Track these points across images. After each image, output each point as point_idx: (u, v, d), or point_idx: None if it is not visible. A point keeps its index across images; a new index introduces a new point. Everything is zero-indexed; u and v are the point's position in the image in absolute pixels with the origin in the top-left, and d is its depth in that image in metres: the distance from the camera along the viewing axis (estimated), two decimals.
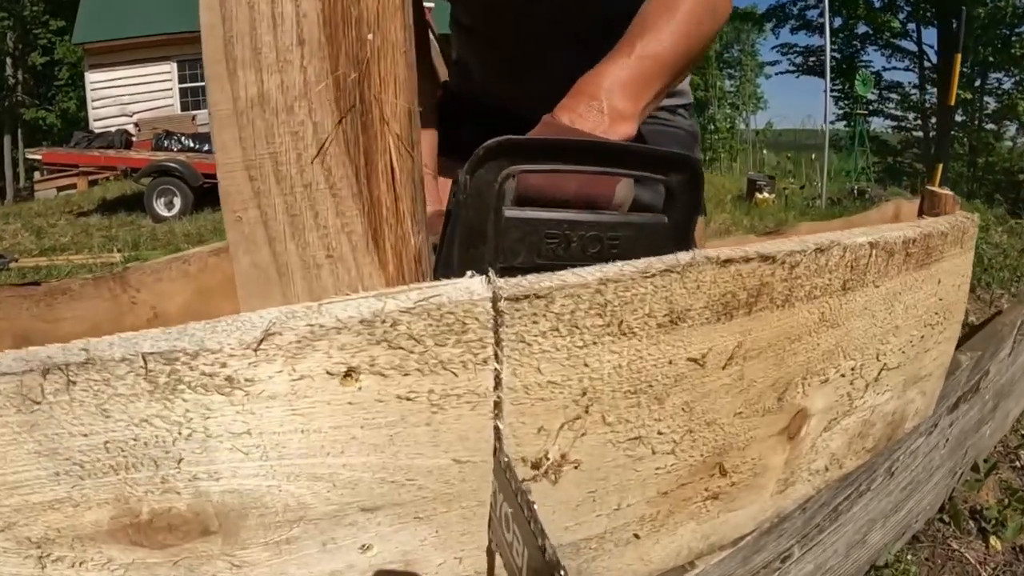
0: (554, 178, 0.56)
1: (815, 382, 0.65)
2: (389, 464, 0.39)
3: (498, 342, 0.39)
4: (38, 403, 0.36)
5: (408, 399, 0.37)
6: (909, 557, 1.43)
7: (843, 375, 0.70)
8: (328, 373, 0.35)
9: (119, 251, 5.36)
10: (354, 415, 0.37)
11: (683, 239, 0.59)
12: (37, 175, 12.50)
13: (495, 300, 0.38)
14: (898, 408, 0.91)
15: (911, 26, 13.84)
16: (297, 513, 0.40)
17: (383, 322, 0.35)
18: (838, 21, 14.27)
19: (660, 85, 0.71)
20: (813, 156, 10.80)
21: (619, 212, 0.60)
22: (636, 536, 0.59)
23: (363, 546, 0.44)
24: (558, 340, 0.41)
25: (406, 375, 0.36)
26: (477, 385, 0.39)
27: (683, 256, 0.48)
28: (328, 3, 0.33)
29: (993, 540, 1.52)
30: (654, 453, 0.52)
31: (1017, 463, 1.90)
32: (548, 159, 0.53)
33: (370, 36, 0.34)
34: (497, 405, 0.40)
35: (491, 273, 0.39)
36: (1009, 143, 13.54)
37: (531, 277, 0.40)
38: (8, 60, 20.32)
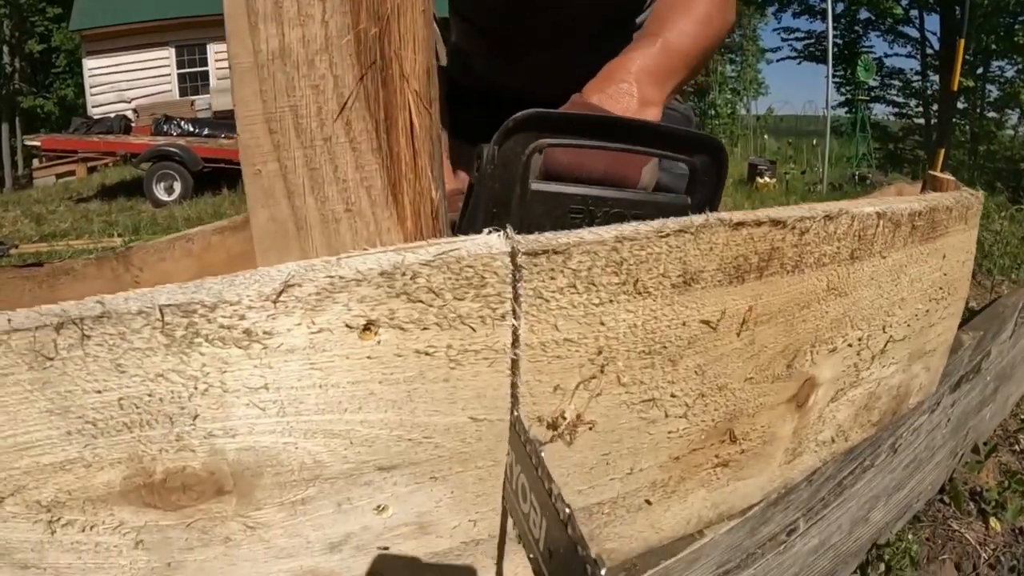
0: (583, 155, 0.56)
1: (823, 351, 0.65)
2: (406, 421, 0.39)
3: (516, 297, 0.39)
4: (51, 359, 0.36)
5: (427, 354, 0.37)
6: (910, 536, 1.44)
7: (850, 345, 0.70)
8: (347, 326, 0.35)
9: (120, 236, 5.36)
10: (373, 370, 0.37)
11: None
12: (36, 162, 12.46)
13: (513, 254, 0.38)
14: (903, 382, 0.91)
15: (914, 12, 13.73)
16: (313, 472, 0.40)
17: (403, 275, 0.35)
18: (840, 6, 14.17)
19: (681, 77, 0.74)
20: (814, 142, 10.77)
21: (646, 192, 0.60)
22: (648, 502, 0.59)
23: (378, 507, 0.44)
24: (575, 297, 0.41)
25: (425, 329, 0.36)
26: (495, 341, 0.39)
27: (697, 218, 0.48)
28: None
29: (993, 521, 1.53)
30: (667, 416, 0.52)
31: (1017, 447, 1.91)
32: (577, 134, 0.53)
33: None
34: (514, 362, 0.40)
35: (509, 228, 0.38)
36: (1011, 131, 13.49)
37: (549, 233, 0.40)
38: (5, 48, 20.18)
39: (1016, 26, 11.96)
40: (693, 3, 0.75)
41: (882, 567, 1.36)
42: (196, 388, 0.36)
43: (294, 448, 0.38)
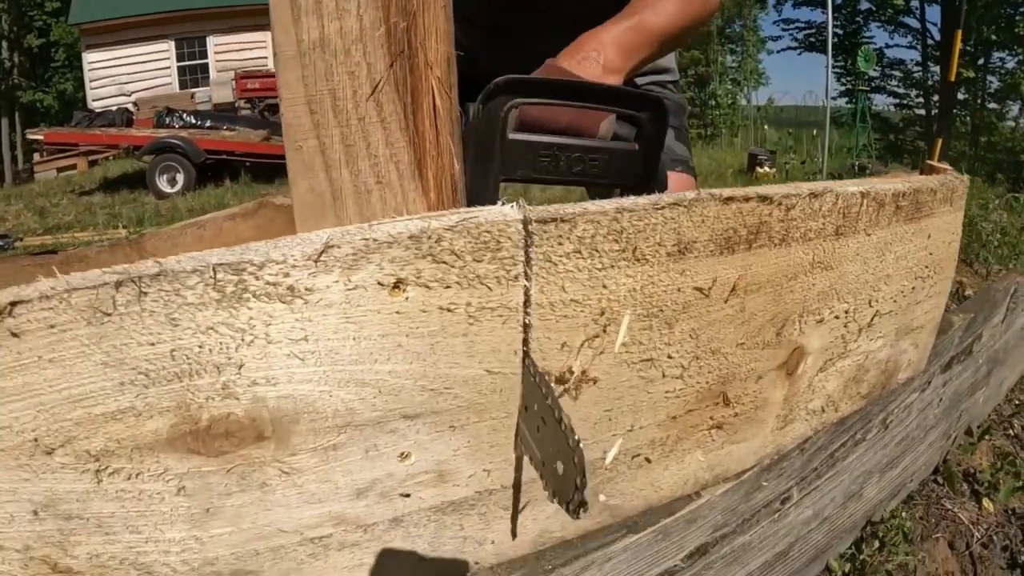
0: (550, 111, 0.66)
1: (811, 321, 0.70)
2: (429, 372, 0.44)
3: (528, 260, 0.43)
4: (108, 315, 0.40)
5: (448, 310, 0.42)
6: (904, 514, 1.48)
7: (837, 317, 0.74)
8: (379, 284, 0.39)
9: (124, 227, 5.40)
10: (400, 324, 0.41)
11: (650, 164, 0.67)
12: (37, 156, 12.49)
13: (526, 222, 0.42)
14: (891, 356, 0.96)
15: (914, 3, 13.73)
16: (345, 419, 0.45)
17: (429, 238, 0.39)
18: None
19: (648, 52, 0.82)
20: (814, 132, 10.78)
21: (604, 140, 0.70)
22: (648, 460, 0.64)
23: (402, 454, 0.48)
24: (580, 262, 0.46)
25: (447, 288, 0.41)
26: (509, 300, 0.43)
27: (689, 193, 0.52)
28: None
29: (986, 502, 1.56)
30: (664, 376, 0.56)
31: (1011, 431, 1.94)
32: (545, 95, 0.64)
33: None
34: (526, 319, 0.45)
35: (521, 200, 0.43)
36: (1012, 122, 13.50)
37: (556, 205, 0.44)
38: (4, 43, 20.14)
39: (1017, 17, 11.94)
40: None
41: (876, 544, 1.40)
42: (243, 340, 0.40)
43: (328, 396, 0.43)
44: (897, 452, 1.39)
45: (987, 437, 1.84)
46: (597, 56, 0.76)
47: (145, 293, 0.39)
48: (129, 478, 0.46)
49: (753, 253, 0.57)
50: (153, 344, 0.41)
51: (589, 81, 0.73)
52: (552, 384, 0.49)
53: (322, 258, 0.38)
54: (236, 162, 8.42)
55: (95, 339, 0.40)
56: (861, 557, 1.35)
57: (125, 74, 14.93)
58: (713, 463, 0.73)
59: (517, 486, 0.56)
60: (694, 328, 0.56)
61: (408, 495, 0.51)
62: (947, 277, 1.01)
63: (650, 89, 1.15)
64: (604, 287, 0.48)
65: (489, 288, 0.42)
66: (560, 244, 0.44)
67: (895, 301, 0.85)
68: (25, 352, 0.41)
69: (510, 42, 1.09)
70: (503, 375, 0.47)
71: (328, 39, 0.38)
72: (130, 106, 12.37)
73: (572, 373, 0.49)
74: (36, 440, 0.43)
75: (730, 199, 0.53)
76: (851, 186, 0.66)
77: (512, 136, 0.62)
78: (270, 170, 8.31)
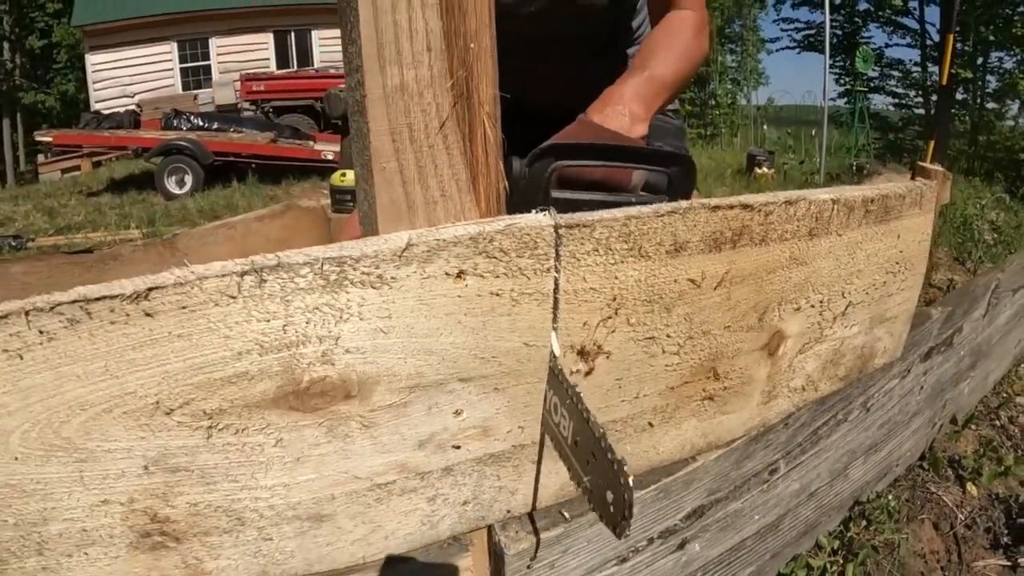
0: (586, 169, 0.77)
1: (789, 309, 0.82)
2: (481, 344, 0.56)
3: (558, 256, 0.55)
4: (234, 298, 0.49)
5: (497, 295, 0.54)
6: (890, 497, 1.58)
7: (813, 306, 0.86)
8: (446, 274, 0.52)
9: (137, 228, 5.51)
10: (461, 305, 0.53)
11: None
12: (41, 158, 12.60)
13: (556, 227, 0.55)
14: (867, 343, 1.08)
15: (913, 3, 13.84)
16: (414, 380, 0.57)
17: (484, 239, 0.51)
18: None
19: (664, 98, 0.95)
20: (813, 132, 10.90)
21: (634, 193, 0.80)
22: (650, 424, 0.76)
23: (456, 411, 0.60)
24: (597, 258, 0.58)
25: (497, 277, 0.53)
26: (543, 287, 0.56)
27: (683, 203, 0.65)
28: (446, 23, 0.49)
29: (970, 486, 1.63)
30: (664, 352, 0.69)
31: (997, 422, 2.02)
32: (587, 158, 0.75)
33: (472, 45, 0.51)
34: (555, 303, 0.57)
35: (552, 209, 0.55)
36: (1011, 122, 13.58)
37: (579, 213, 0.57)
38: (5, 44, 20.21)
39: (1015, 17, 12.02)
40: (674, 41, 0.97)
41: (863, 522, 1.50)
42: (341, 317, 0.52)
43: (403, 363, 0.55)
44: (881, 435, 1.49)
45: (973, 426, 1.92)
46: (623, 110, 0.87)
47: (265, 280, 0.50)
48: (236, 433, 0.54)
49: (737, 251, 0.70)
50: (269, 321, 0.51)
51: (622, 144, 0.82)
52: (576, 356, 0.62)
53: (404, 254, 0.50)
54: (243, 163, 8.55)
55: (221, 317, 0.50)
56: (849, 534, 1.44)
57: (128, 76, 15.02)
58: (707, 431, 0.85)
59: (542, 442, 0.68)
60: (688, 312, 0.68)
61: (459, 447, 0.63)
62: (918, 272, 1.13)
63: (655, 118, 1.31)
64: (616, 278, 0.60)
65: (528, 277, 0.55)
66: (582, 244, 0.57)
67: (867, 293, 0.98)
68: (156, 329, 0.49)
69: (523, 74, 1.22)
70: (536, 347, 0.59)
71: (407, 84, 0.50)
72: (135, 107, 12.48)
73: (591, 347, 0.61)
74: (157, 403, 0.51)
75: (717, 207, 0.66)
76: (823, 194, 0.79)
77: (555, 194, 0.72)
78: (276, 171, 8.44)
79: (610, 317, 0.61)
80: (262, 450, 0.56)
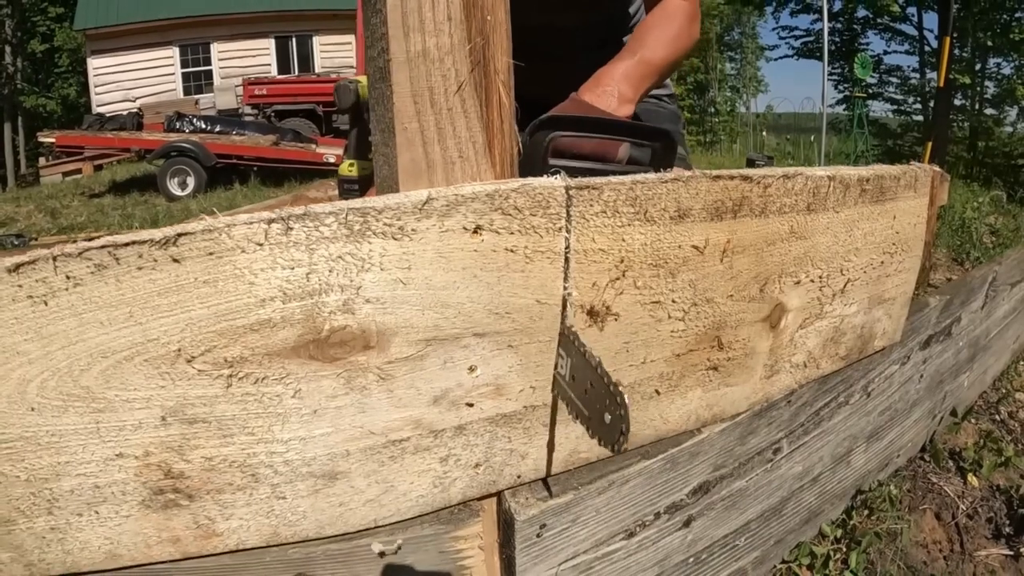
0: (579, 141, 0.82)
1: (789, 282, 0.85)
2: (495, 300, 0.59)
3: (568, 216, 0.58)
4: (260, 245, 0.51)
5: (511, 251, 0.57)
6: (891, 485, 1.59)
7: (812, 280, 0.89)
8: (464, 228, 0.54)
9: (140, 227, 5.54)
10: (477, 259, 0.56)
11: None
12: (42, 160, 12.64)
13: (568, 188, 0.57)
14: (866, 323, 1.11)
15: (911, 10, 13.92)
16: (431, 333, 0.59)
17: (500, 196, 0.54)
18: (837, 4, 14.36)
19: (652, 82, 1.02)
20: (812, 138, 10.96)
21: (621, 164, 0.86)
22: (657, 392, 0.78)
23: (471, 367, 0.63)
24: (606, 220, 0.61)
25: (512, 234, 0.56)
26: (554, 246, 0.58)
27: (686, 172, 0.67)
28: None
29: (971, 477, 1.63)
30: (669, 317, 0.71)
31: (997, 416, 2.03)
32: (579, 129, 0.80)
33: (489, 17, 0.54)
34: (567, 262, 0.60)
35: (563, 173, 0.58)
36: (1009, 128, 13.64)
37: (589, 178, 0.60)
38: (7, 48, 20.29)
39: (1012, 23, 12.08)
40: (666, 27, 1.03)
41: (866, 512, 1.52)
42: (363, 267, 0.54)
43: (421, 314, 0.57)
44: (882, 422, 1.51)
45: (973, 420, 1.93)
46: (612, 91, 0.94)
47: (291, 228, 0.51)
48: (256, 382, 0.54)
49: (738, 221, 0.72)
50: (293, 268, 0.52)
51: (614, 119, 0.89)
52: (586, 316, 0.64)
53: (424, 207, 0.53)
54: (245, 166, 8.59)
55: (247, 263, 0.51)
56: (851, 523, 1.45)
57: (130, 80, 15.10)
58: (711, 402, 0.87)
59: (555, 405, 0.70)
60: (692, 279, 0.71)
61: (472, 404, 0.65)
62: (915, 255, 1.15)
63: (649, 100, 1.36)
64: (623, 240, 0.63)
65: (540, 236, 0.57)
66: (591, 205, 0.59)
67: (865, 272, 1.00)
68: (183, 275, 0.50)
69: (528, 66, 1.27)
70: (548, 305, 0.61)
71: (428, 51, 0.53)
72: (137, 111, 12.55)
73: (599, 308, 0.63)
74: (179, 350, 0.52)
75: (718, 177, 0.68)
76: (820, 171, 0.81)
77: (552, 162, 0.78)
78: (279, 174, 8.48)
79: (618, 279, 0.64)
80: (280, 401, 0.57)
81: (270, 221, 0.52)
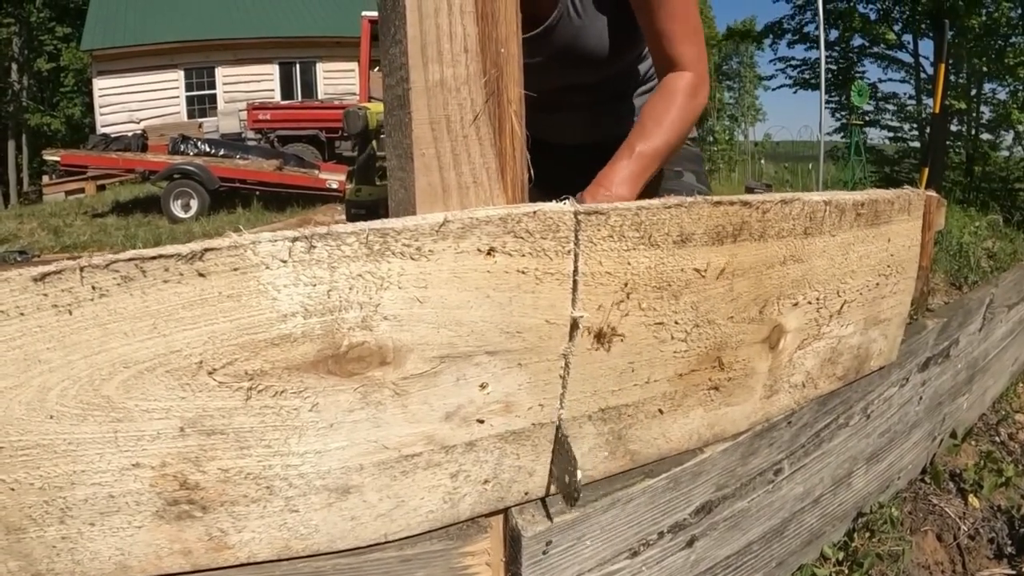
0: None
1: (788, 304, 0.87)
2: (507, 319, 0.61)
3: (577, 240, 0.61)
4: (284, 262, 0.53)
5: (523, 272, 0.59)
6: (892, 508, 1.59)
7: (810, 302, 0.92)
8: (478, 250, 0.57)
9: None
10: (490, 280, 0.59)
11: None
12: (46, 179, 12.74)
13: (576, 213, 0.60)
14: (862, 344, 1.13)
15: (907, 38, 14.13)
16: (445, 351, 0.61)
17: (513, 220, 0.57)
18: (833, 33, 14.58)
19: (651, 172, 1.06)
20: (810, 166, 11.06)
21: None
22: (660, 411, 0.80)
23: (482, 384, 0.65)
24: (612, 244, 0.64)
25: (523, 256, 0.59)
26: (563, 268, 0.61)
27: (688, 198, 0.70)
28: (481, 28, 0.56)
29: (972, 498, 1.63)
30: (672, 338, 0.74)
31: (997, 438, 2.04)
32: None
33: (503, 50, 0.57)
34: (575, 284, 0.62)
35: (571, 199, 0.61)
36: (1005, 152, 13.75)
37: (596, 203, 0.62)
38: (14, 66, 20.52)
39: (1007, 48, 12.24)
40: (664, 109, 1.07)
41: (867, 533, 1.52)
42: (382, 285, 0.56)
43: (436, 332, 0.60)
44: (882, 444, 1.51)
45: (973, 442, 1.93)
46: (611, 195, 0.99)
47: (314, 247, 0.53)
48: (275, 395, 0.55)
49: (738, 245, 0.75)
50: (315, 285, 0.54)
51: None
52: (591, 338, 0.67)
53: (441, 229, 0.55)
54: (248, 190, 8.66)
55: (270, 279, 0.53)
56: (853, 545, 1.46)
57: (135, 101, 15.26)
58: (712, 421, 0.89)
59: (560, 422, 0.72)
60: (694, 301, 0.74)
61: (482, 421, 0.67)
62: (909, 277, 1.18)
63: None
64: (628, 263, 0.66)
65: (550, 258, 0.60)
66: (599, 230, 0.62)
67: (861, 293, 1.03)
68: (208, 289, 0.51)
69: (545, 114, 1.32)
70: (557, 325, 0.64)
71: (446, 80, 0.57)
72: (142, 132, 12.68)
73: (606, 329, 0.66)
74: (201, 362, 0.53)
75: (719, 203, 0.72)
76: (816, 196, 0.85)
77: None
78: (281, 199, 8.55)
79: (623, 300, 0.66)
80: (298, 414, 0.58)
81: (294, 239, 0.53)
